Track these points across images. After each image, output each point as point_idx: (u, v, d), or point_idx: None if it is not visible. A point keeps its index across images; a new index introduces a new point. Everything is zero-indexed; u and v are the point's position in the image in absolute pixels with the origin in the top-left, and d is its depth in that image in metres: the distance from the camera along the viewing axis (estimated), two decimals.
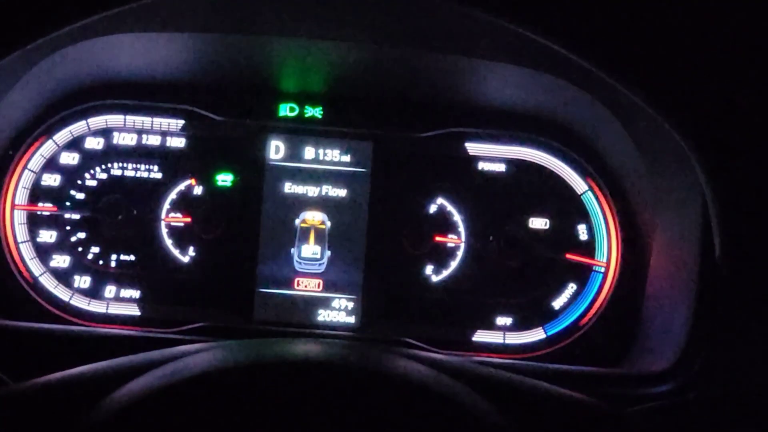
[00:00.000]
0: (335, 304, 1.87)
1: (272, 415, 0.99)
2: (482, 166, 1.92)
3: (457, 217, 1.90)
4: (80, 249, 1.87)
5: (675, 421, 1.48)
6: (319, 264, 1.87)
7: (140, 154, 1.89)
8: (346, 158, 1.91)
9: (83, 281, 1.86)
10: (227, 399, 1.00)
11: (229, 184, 1.89)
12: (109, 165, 1.89)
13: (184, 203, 1.89)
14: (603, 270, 1.88)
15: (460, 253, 1.90)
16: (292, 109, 1.91)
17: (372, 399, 1.02)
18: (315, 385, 1.02)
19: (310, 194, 1.90)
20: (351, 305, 1.87)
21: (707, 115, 1.21)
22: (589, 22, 1.17)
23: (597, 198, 1.90)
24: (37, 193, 1.87)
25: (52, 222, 1.87)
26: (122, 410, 0.99)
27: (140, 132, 1.90)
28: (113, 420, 0.99)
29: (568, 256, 1.89)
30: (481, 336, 1.87)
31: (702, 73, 1.19)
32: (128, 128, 1.90)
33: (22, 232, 1.86)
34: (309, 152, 1.91)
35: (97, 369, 1.12)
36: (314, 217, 1.88)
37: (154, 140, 1.90)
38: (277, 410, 0.99)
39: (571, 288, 1.89)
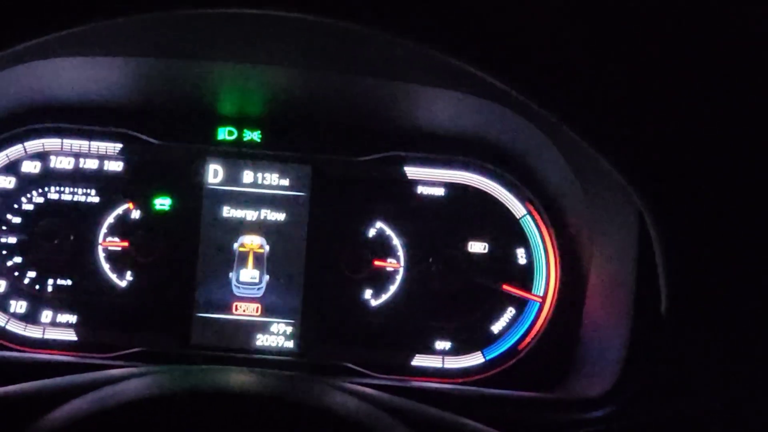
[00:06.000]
0: (274, 328, 1.86)
1: None
2: (421, 189, 1.91)
3: (396, 241, 1.90)
4: (16, 273, 1.85)
5: None
6: (258, 288, 1.86)
7: (77, 177, 1.88)
8: (285, 182, 1.90)
9: (19, 306, 1.84)
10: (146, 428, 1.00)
11: (167, 208, 1.88)
12: (46, 189, 1.87)
13: (122, 227, 1.87)
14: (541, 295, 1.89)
15: (399, 278, 1.89)
16: (230, 133, 1.90)
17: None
18: (240, 417, 1.02)
19: (249, 218, 1.88)
20: (290, 330, 1.86)
21: (641, 146, 1.22)
22: (518, 53, 1.17)
23: (536, 222, 1.90)
24: None
25: None
26: None
27: (78, 156, 1.88)
28: None
29: (505, 287, 1.89)
30: (420, 360, 1.87)
31: (638, 106, 1.19)
32: (65, 152, 1.88)
33: None
34: (248, 176, 1.90)
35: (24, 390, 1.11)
36: (253, 241, 1.87)
37: (91, 164, 1.88)
38: None
39: (510, 312, 1.89)
